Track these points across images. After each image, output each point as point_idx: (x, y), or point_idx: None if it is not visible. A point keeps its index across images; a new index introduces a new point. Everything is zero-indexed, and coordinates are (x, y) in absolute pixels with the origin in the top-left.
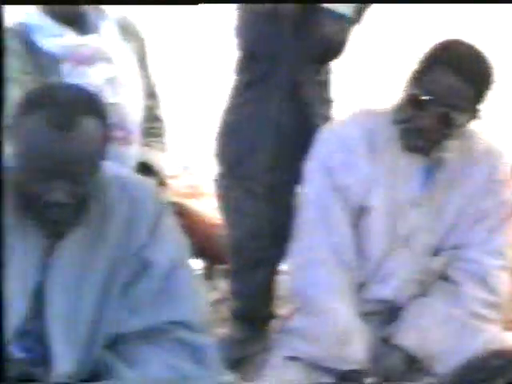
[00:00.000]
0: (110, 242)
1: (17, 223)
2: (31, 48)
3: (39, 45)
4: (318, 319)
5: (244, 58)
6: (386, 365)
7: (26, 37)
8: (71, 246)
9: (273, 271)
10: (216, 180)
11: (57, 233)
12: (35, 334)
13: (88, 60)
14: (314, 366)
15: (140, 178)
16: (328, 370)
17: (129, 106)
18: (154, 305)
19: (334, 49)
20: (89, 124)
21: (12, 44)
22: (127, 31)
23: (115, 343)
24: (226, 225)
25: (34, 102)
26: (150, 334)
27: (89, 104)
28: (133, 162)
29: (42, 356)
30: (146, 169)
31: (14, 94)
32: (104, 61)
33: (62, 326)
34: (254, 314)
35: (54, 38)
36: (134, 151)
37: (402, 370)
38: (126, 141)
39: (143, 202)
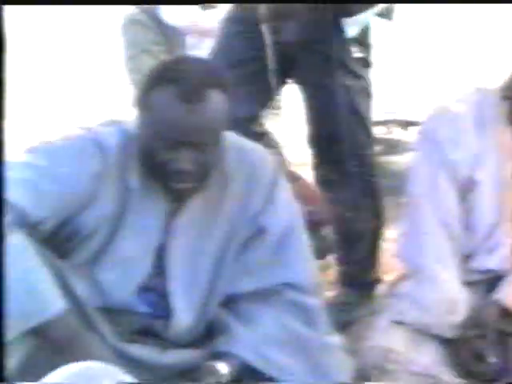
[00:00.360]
0: (228, 207)
1: (143, 187)
2: (158, 21)
3: (164, 18)
4: (425, 287)
5: None
6: (483, 317)
7: (153, 10)
8: (192, 211)
9: (378, 239)
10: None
11: (179, 198)
12: (157, 290)
13: (210, 32)
14: (420, 332)
15: (257, 146)
16: (433, 336)
17: None
18: (267, 267)
19: None
20: (215, 97)
21: (141, 18)
22: None
23: (230, 302)
24: (326, 196)
25: (164, 75)
26: (263, 295)
27: (215, 77)
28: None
29: (162, 311)
30: (262, 138)
31: (147, 64)
32: None
33: (181, 284)
34: (360, 279)
35: (178, 11)
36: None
37: (498, 322)
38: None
39: (260, 170)
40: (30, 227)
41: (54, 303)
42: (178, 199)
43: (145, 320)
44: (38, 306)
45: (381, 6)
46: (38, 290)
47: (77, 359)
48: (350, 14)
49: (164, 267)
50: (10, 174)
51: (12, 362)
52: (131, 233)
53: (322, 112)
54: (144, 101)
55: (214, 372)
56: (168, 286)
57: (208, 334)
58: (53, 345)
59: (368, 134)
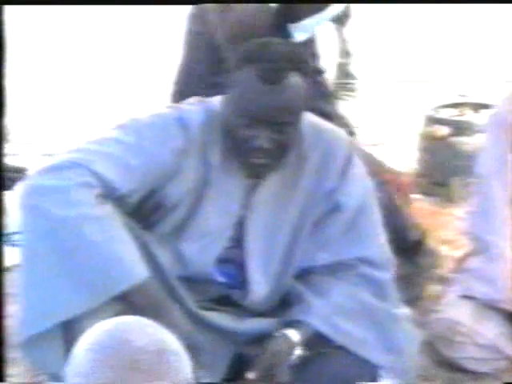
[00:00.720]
0: (304, 183)
1: (224, 164)
2: None
3: None
4: (493, 263)
5: None
6: None
7: None
8: (270, 187)
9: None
10: None
11: (258, 174)
12: (235, 262)
13: None
14: (486, 306)
15: (332, 126)
16: (499, 311)
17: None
18: (341, 242)
19: None
20: (294, 79)
21: None
22: None
23: (304, 274)
24: None
25: (249, 57)
26: (337, 268)
27: (295, 60)
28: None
29: (239, 281)
30: (336, 117)
31: None
32: None
33: (259, 256)
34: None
35: None
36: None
37: None
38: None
39: (335, 149)
40: (118, 199)
41: (138, 271)
42: (256, 175)
43: (222, 289)
44: (123, 274)
45: (332, 12)
46: (124, 259)
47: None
48: (297, 19)
49: (242, 240)
50: (100, 149)
51: None
52: (212, 207)
53: None
54: (230, 81)
55: (286, 339)
56: (245, 259)
57: (282, 304)
58: (136, 311)
59: None
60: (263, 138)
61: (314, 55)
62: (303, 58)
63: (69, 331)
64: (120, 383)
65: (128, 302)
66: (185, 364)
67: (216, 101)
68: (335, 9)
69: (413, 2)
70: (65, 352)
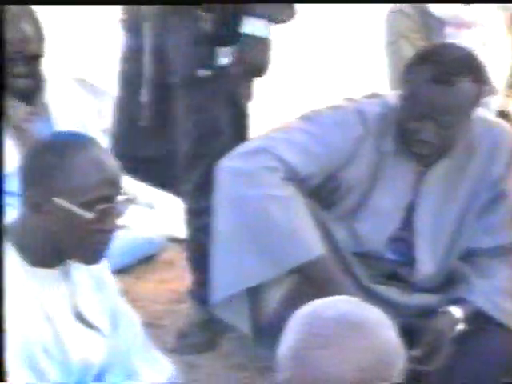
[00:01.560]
0: (472, 171)
1: (396, 152)
2: (421, 10)
3: (428, 8)
4: None
5: None
6: None
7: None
8: (439, 173)
9: None
10: None
11: (427, 162)
12: (404, 242)
13: (468, 24)
14: None
15: (500, 120)
16: None
17: (496, 64)
18: (506, 228)
19: (256, 71)
20: (466, 84)
21: (405, 6)
22: None
23: (468, 256)
24: None
25: (426, 57)
26: (500, 252)
27: (470, 66)
28: (495, 109)
29: (408, 259)
30: (504, 115)
31: (404, 49)
32: (478, 25)
33: (427, 236)
34: None
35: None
36: (496, 100)
37: None
38: (490, 92)
39: (503, 142)
40: (299, 182)
41: (315, 247)
42: (425, 163)
43: (392, 266)
44: (301, 249)
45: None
46: (303, 236)
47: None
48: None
49: (412, 222)
50: (286, 137)
51: (276, 296)
52: (384, 190)
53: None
54: (406, 77)
55: (450, 315)
56: (415, 239)
57: (447, 282)
58: (311, 284)
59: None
60: (430, 133)
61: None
62: (479, 65)
63: (253, 297)
64: (308, 349)
65: (305, 275)
66: (374, 340)
67: (392, 95)
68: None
69: None
70: (250, 314)
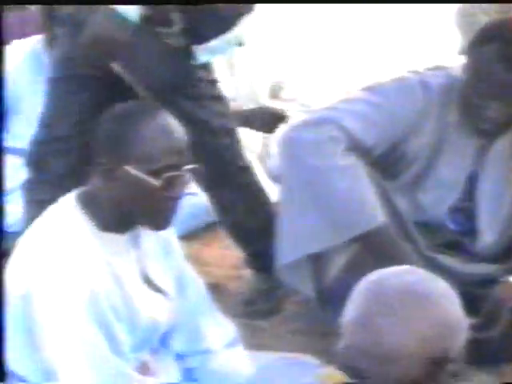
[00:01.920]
0: None
1: (459, 124)
2: None
3: None
4: None
5: None
6: None
7: None
8: (502, 146)
9: None
10: None
11: (488, 137)
12: (465, 212)
13: None
14: None
15: None
16: None
17: None
18: None
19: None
20: None
21: None
22: None
23: None
24: None
25: (491, 34)
26: None
27: None
28: None
29: (469, 229)
30: None
31: (480, 20)
32: None
33: (488, 206)
34: None
35: None
36: None
37: None
38: None
39: None
40: (363, 152)
41: (377, 216)
42: (488, 137)
43: (453, 235)
44: (364, 218)
45: (239, 34)
46: (365, 205)
47: (393, 265)
48: (204, 40)
49: (473, 193)
50: (350, 107)
51: (339, 263)
52: (447, 161)
53: None
54: (471, 52)
55: (510, 285)
56: (476, 209)
57: (507, 252)
58: (373, 251)
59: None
60: (491, 109)
61: (213, 81)
62: None
63: (316, 262)
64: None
65: (366, 243)
66: (438, 313)
67: (456, 67)
68: (241, 31)
69: None
70: (313, 279)
